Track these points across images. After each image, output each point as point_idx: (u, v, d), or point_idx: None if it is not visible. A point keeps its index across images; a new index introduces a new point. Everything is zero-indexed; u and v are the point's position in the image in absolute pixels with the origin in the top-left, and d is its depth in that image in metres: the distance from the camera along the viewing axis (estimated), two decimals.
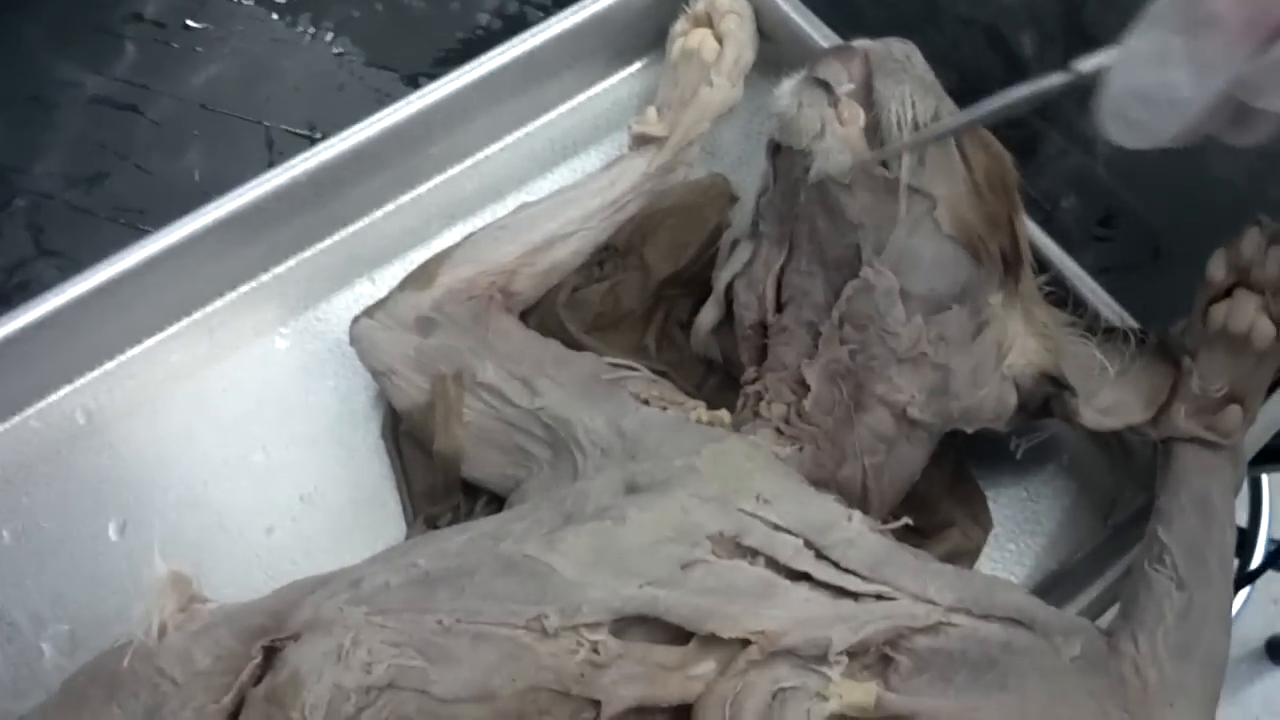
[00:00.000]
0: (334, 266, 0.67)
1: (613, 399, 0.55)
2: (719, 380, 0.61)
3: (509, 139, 0.70)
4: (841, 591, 0.48)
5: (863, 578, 0.48)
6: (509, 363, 0.57)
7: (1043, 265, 0.59)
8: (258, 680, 0.47)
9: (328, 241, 0.67)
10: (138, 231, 0.67)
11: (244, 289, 0.66)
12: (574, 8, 0.68)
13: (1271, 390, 0.53)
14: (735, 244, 0.59)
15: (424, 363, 0.58)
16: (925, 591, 0.48)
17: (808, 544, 0.48)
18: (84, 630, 0.57)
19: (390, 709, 0.44)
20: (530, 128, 0.71)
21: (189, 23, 0.77)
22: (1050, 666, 0.47)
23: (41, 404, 0.63)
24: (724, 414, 0.55)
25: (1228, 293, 0.51)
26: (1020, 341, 0.53)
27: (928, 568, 0.49)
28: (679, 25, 0.68)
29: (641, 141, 0.65)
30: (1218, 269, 0.51)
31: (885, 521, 0.52)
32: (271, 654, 0.47)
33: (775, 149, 0.53)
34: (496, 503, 0.58)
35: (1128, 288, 0.60)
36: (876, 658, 0.47)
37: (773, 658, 0.46)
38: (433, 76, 0.66)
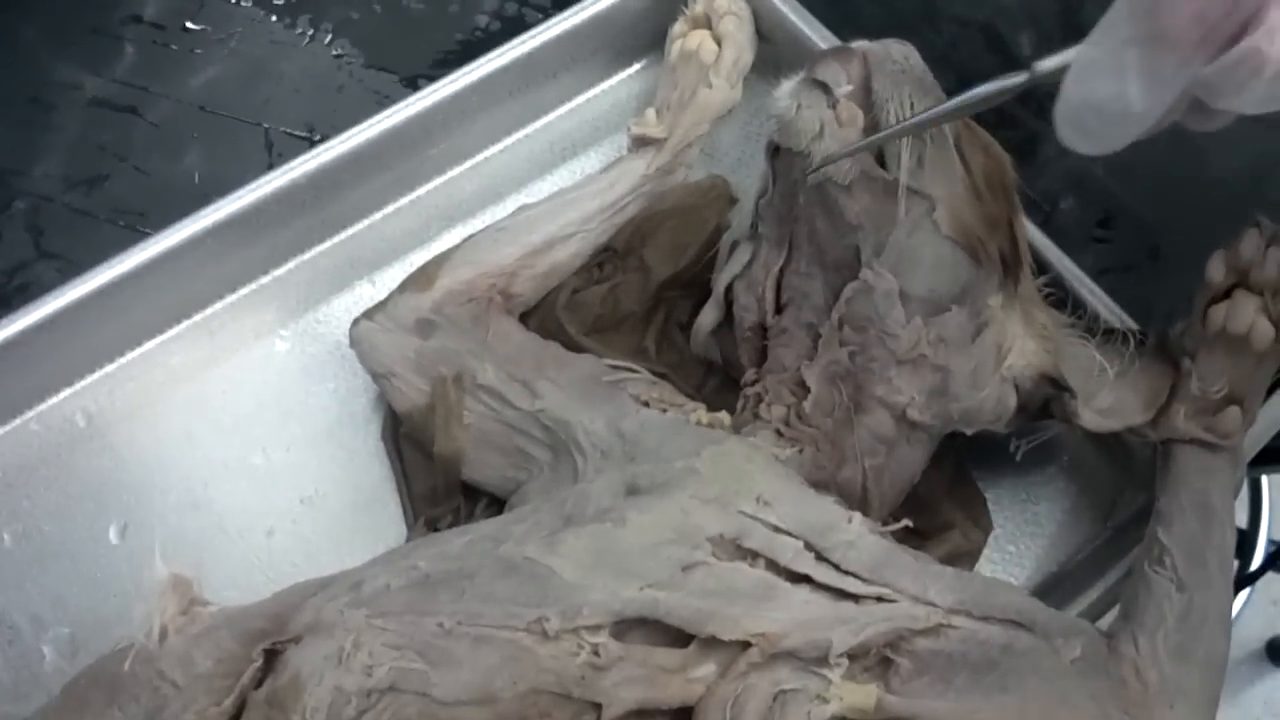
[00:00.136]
0: (334, 269, 0.67)
1: (613, 401, 0.55)
2: (719, 382, 0.61)
3: (508, 141, 0.70)
4: (842, 593, 0.48)
5: (863, 580, 0.48)
6: (509, 365, 0.57)
7: (1042, 266, 0.59)
8: (259, 683, 0.47)
9: (327, 243, 0.67)
10: (137, 234, 0.68)
11: (244, 291, 0.66)
12: (573, 9, 0.68)
13: (1271, 391, 0.53)
14: (735, 246, 0.59)
15: (424, 365, 0.58)
16: (925, 593, 0.48)
17: (808, 546, 0.48)
18: (85, 633, 0.57)
19: (391, 712, 0.44)
20: (529, 129, 0.71)
21: (188, 24, 0.77)
22: (1050, 668, 0.47)
23: (42, 406, 0.62)
24: (724, 416, 0.55)
25: (1227, 294, 0.51)
26: (1020, 343, 0.53)
27: (928, 570, 0.49)
28: (678, 27, 0.68)
29: (640, 143, 0.65)
30: (1217, 270, 0.51)
31: (885, 523, 0.52)
32: (272, 657, 0.47)
33: (774, 150, 0.53)
34: (497, 505, 0.58)
35: (1127, 289, 0.60)
36: (877, 660, 0.47)
37: (773, 660, 0.46)
38: (432, 78, 0.66)
